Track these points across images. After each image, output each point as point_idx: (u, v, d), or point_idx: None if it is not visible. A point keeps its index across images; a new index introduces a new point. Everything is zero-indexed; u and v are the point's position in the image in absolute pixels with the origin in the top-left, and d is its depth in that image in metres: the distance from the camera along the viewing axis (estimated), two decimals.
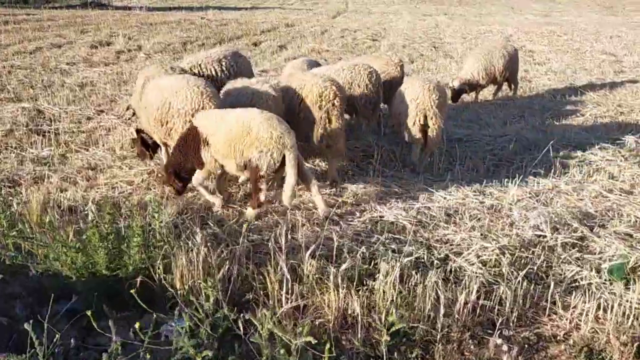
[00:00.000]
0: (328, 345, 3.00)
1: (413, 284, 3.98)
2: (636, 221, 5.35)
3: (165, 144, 6.32)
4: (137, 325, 3.00)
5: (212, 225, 5.12)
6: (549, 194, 6.02)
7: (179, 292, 3.75)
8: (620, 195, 6.00)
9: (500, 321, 3.76)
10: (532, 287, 4.11)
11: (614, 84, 12.32)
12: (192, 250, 3.84)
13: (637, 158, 7.17)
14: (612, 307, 3.86)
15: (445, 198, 5.83)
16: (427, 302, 3.74)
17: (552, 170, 6.78)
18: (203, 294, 3.62)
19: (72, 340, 3.03)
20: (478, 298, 3.91)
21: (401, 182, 6.39)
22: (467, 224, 5.20)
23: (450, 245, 4.82)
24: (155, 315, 3.50)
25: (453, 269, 4.42)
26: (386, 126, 8.52)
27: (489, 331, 3.76)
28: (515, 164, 7.08)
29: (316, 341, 3.08)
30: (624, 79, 13.10)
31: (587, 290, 4.20)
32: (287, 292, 3.81)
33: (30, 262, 3.82)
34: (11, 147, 7.42)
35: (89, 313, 3.02)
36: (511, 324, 3.83)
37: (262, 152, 5.05)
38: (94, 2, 33.13)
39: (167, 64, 7.95)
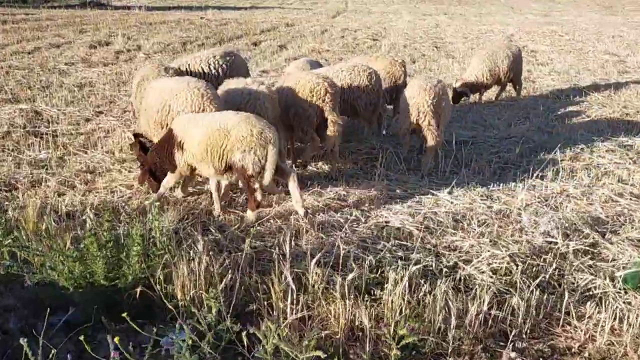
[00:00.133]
0: None
1: (422, 293, 3.85)
2: None
3: None
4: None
5: (213, 231, 4.98)
6: (557, 198, 5.88)
7: (180, 302, 3.61)
8: (631, 199, 5.87)
9: (513, 333, 3.62)
10: (545, 297, 3.97)
11: (619, 85, 12.18)
12: (193, 260, 3.71)
13: None
14: (629, 317, 3.73)
15: (452, 202, 5.70)
16: (438, 313, 3.60)
17: (560, 174, 6.64)
18: (205, 305, 3.49)
19: (68, 356, 2.89)
20: (489, 308, 3.78)
21: (406, 186, 6.25)
22: (475, 229, 5.07)
23: (459, 252, 4.69)
24: (155, 329, 3.38)
25: (463, 278, 4.29)
26: (386, 128, 8.41)
27: (502, 343, 3.63)
28: (522, 167, 6.94)
29: (325, 355, 2.95)
30: (628, 80, 12.96)
31: (601, 299, 4.07)
32: (292, 303, 3.67)
33: (25, 272, 3.68)
34: (8, 149, 7.28)
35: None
36: (524, 336, 3.70)
37: (244, 151, 4.95)
38: (92, 1, 32.96)
39: (161, 63, 7.78)
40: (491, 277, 4.27)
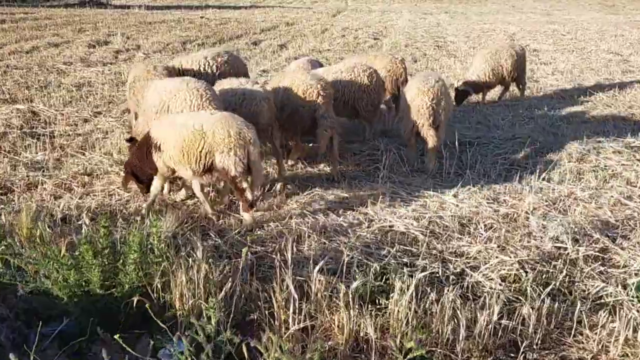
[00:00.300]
0: None
1: (429, 302, 3.72)
2: None
3: None
4: None
5: (213, 236, 4.85)
6: (565, 201, 5.75)
7: (178, 312, 3.48)
8: None
9: (524, 344, 3.49)
10: (555, 306, 3.84)
11: (623, 84, 12.04)
12: (192, 268, 3.57)
13: None
14: None
15: (457, 206, 5.57)
16: (446, 323, 3.47)
17: (567, 176, 6.51)
18: (204, 315, 3.36)
19: None
20: (499, 318, 3.64)
21: (410, 188, 6.12)
22: (482, 234, 4.94)
23: (466, 258, 4.55)
24: (152, 340, 3.26)
25: (470, 285, 4.16)
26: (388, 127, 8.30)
27: (512, 355, 3.50)
28: (528, 169, 6.80)
29: None
30: (632, 79, 12.81)
31: (614, 308, 3.94)
32: (294, 312, 3.54)
33: (18, 281, 3.55)
34: (4, 151, 7.15)
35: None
36: (535, 347, 3.57)
37: (223, 153, 4.82)
38: (92, 0, 32.83)
39: (154, 63, 7.68)
40: (500, 284, 4.14)
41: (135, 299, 3.44)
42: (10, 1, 30.19)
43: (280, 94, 6.47)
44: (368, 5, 38.25)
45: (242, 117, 5.85)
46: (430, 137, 6.63)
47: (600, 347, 3.60)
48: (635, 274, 4.33)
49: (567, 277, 4.32)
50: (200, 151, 4.84)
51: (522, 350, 3.44)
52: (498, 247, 4.69)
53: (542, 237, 4.86)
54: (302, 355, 3.14)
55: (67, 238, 4.27)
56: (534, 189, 5.92)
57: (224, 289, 3.56)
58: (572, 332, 3.72)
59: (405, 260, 4.45)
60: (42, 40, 16.71)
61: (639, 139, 7.78)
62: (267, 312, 3.63)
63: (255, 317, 3.59)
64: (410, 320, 3.48)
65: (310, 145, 7.29)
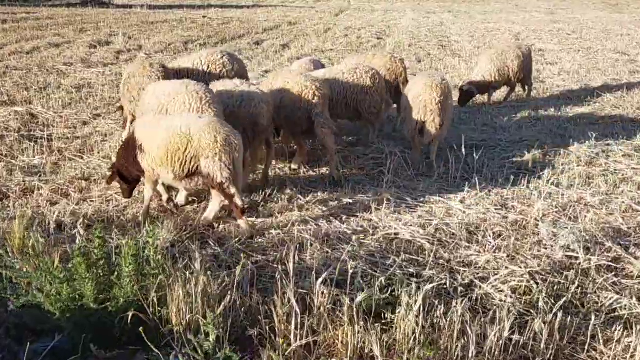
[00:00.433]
0: None
1: (437, 316, 3.56)
2: None
3: None
4: None
5: (212, 245, 4.71)
6: (575, 207, 5.59)
7: (175, 328, 3.33)
8: None
9: None
10: (568, 319, 3.68)
11: (631, 85, 11.85)
12: (189, 282, 3.42)
13: None
14: None
15: (464, 212, 5.41)
16: (454, 339, 3.32)
17: (576, 180, 6.35)
18: (202, 331, 3.22)
19: None
20: (510, 333, 3.49)
21: (416, 194, 5.97)
22: (491, 242, 4.78)
23: (475, 268, 4.40)
24: (148, 358, 3.12)
25: (479, 297, 4.00)
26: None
27: None
28: (535, 173, 6.64)
29: None
30: None
31: (629, 321, 3.78)
32: (296, 327, 3.39)
33: (10, 294, 3.41)
34: (1, 154, 7.01)
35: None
36: None
37: (208, 158, 4.70)
38: (94, 0, 32.72)
39: (148, 61, 7.55)
40: (510, 296, 3.98)
41: (130, 314, 3.30)
42: (13, 1, 30.10)
43: (276, 95, 6.39)
44: (371, 5, 38.07)
45: (241, 119, 5.76)
46: (435, 131, 6.67)
47: None
48: None
49: (579, 288, 4.16)
50: (186, 155, 4.73)
51: None
52: (507, 256, 4.53)
53: (552, 246, 4.70)
54: None
55: (61, 248, 4.14)
56: (543, 194, 5.75)
57: (223, 302, 3.41)
58: (586, 348, 3.56)
59: (411, 270, 4.29)
60: (42, 40, 16.59)
61: None
62: (267, 327, 3.48)
63: (256, 333, 3.44)
64: (417, 336, 3.33)
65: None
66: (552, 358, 3.45)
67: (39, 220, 4.82)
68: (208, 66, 7.40)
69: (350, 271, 3.73)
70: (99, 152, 7.18)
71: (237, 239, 4.83)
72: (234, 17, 25.31)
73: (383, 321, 3.59)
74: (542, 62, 15.02)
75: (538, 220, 5.21)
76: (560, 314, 3.64)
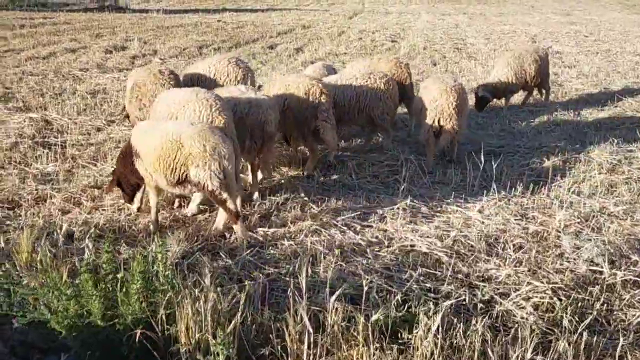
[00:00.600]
0: None
1: (456, 336, 3.42)
2: None
3: None
4: None
5: (224, 256, 4.60)
6: (598, 217, 5.40)
7: (184, 348, 3.23)
8: None
9: None
10: (594, 339, 3.51)
11: None
12: (199, 299, 3.32)
13: None
14: None
15: (483, 222, 5.25)
16: None
17: (598, 188, 6.16)
18: (211, 351, 3.12)
19: None
20: (534, 354, 3.33)
21: (432, 203, 5.81)
22: (511, 255, 4.62)
23: (495, 283, 4.23)
24: None
25: (500, 314, 3.84)
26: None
27: None
28: (556, 181, 6.45)
29: None
30: None
31: None
32: (308, 347, 3.28)
33: (16, 310, 3.33)
34: (15, 162, 6.98)
35: None
36: None
37: (198, 167, 4.67)
38: (111, 5, 32.95)
39: (154, 67, 7.54)
40: (532, 314, 3.82)
41: (138, 332, 3.20)
42: (31, 6, 30.43)
43: (280, 99, 6.43)
44: (385, 7, 37.90)
45: (249, 125, 5.69)
46: (451, 136, 6.84)
47: None
48: None
49: (605, 305, 3.98)
50: (176, 162, 4.72)
51: None
52: (529, 270, 4.37)
53: (575, 260, 4.53)
54: None
55: (70, 260, 4.06)
56: (565, 203, 5.57)
57: (234, 320, 3.30)
58: None
59: (428, 285, 4.15)
60: (59, 45, 16.68)
61: None
62: (279, 346, 3.36)
63: (267, 352, 3.33)
64: (436, 358, 3.19)
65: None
66: None
67: (48, 232, 4.75)
68: (214, 73, 7.35)
69: (366, 288, 3.59)
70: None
71: (248, 250, 4.72)
72: (248, 21, 25.30)
73: (400, 341, 3.45)
74: (559, 65, 14.77)
75: (559, 232, 5.04)
76: (585, 334, 3.48)
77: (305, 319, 3.30)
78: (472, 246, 4.80)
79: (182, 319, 3.27)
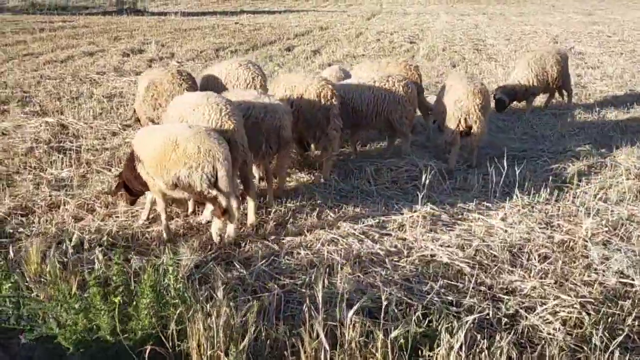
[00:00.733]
0: None
1: (479, 352, 3.25)
2: None
3: None
4: None
5: (238, 266, 4.48)
6: (627, 225, 5.18)
7: None
8: None
9: None
10: (627, 358, 3.32)
11: None
12: (211, 315, 3.19)
13: None
14: None
15: (506, 231, 5.06)
16: None
17: (626, 195, 5.92)
18: None
19: None
20: None
21: (453, 210, 5.63)
22: (536, 266, 4.43)
23: (520, 296, 4.04)
24: None
25: (525, 330, 3.66)
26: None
27: None
28: (581, 187, 6.23)
29: None
30: None
31: None
32: None
33: (23, 324, 3.24)
34: (30, 167, 6.95)
35: None
36: None
37: (191, 167, 4.63)
38: (130, 8, 33.22)
39: (172, 67, 7.52)
40: (559, 329, 3.63)
41: (148, 348, 3.09)
42: (51, 9, 30.78)
43: (293, 100, 6.38)
44: (403, 8, 37.64)
45: (265, 130, 5.59)
46: (477, 130, 6.85)
47: None
48: None
49: (637, 320, 3.78)
50: (170, 162, 4.69)
51: None
52: (555, 282, 4.18)
53: (604, 271, 4.32)
54: None
55: (80, 270, 3.96)
56: (592, 212, 5.35)
57: (247, 336, 3.17)
58: None
59: (450, 298, 3.98)
60: (77, 49, 16.77)
61: None
62: None
63: None
64: None
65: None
66: None
67: (59, 240, 4.67)
68: (225, 77, 7.28)
69: (385, 302, 3.44)
70: None
71: (263, 260, 4.59)
72: (266, 23, 25.26)
73: (420, 358, 3.29)
74: (582, 66, 14.44)
75: (587, 241, 4.83)
76: (617, 352, 3.29)
77: (322, 335, 3.16)
78: (495, 256, 4.62)
79: (194, 335, 3.15)
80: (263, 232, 5.19)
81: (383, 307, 3.52)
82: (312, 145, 7.26)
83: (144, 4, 33.73)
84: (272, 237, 5.07)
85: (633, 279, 4.16)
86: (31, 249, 4.13)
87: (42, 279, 3.78)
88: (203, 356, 3.14)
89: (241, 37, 20.36)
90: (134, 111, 8.13)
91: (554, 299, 3.91)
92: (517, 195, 5.80)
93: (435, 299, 3.93)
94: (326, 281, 4.09)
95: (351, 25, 25.43)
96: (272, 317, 3.67)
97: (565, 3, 40.31)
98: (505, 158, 6.21)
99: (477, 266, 4.44)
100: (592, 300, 3.92)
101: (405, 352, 3.29)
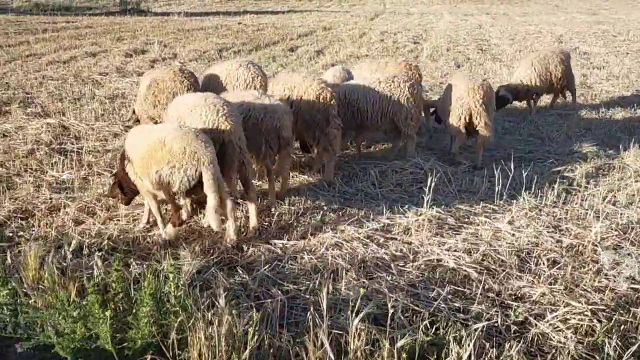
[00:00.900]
0: None
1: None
2: None
3: None
4: None
5: (240, 272, 4.39)
6: (637, 229, 5.08)
7: None
8: None
9: None
10: None
11: None
12: (212, 324, 3.11)
13: None
14: None
15: (514, 235, 4.97)
16: None
17: (635, 197, 5.82)
18: None
19: None
20: None
21: (459, 214, 5.54)
22: (545, 271, 4.33)
23: (529, 303, 3.95)
24: None
25: (535, 337, 3.57)
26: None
27: None
28: (589, 189, 6.13)
29: None
30: None
31: None
32: None
33: (20, 333, 3.16)
34: (30, 169, 6.88)
35: None
36: None
37: (174, 167, 4.60)
38: (133, 8, 33.20)
39: (175, 66, 7.47)
40: (569, 337, 3.54)
41: (148, 358, 3.01)
42: (55, 10, 30.79)
43: (292, 101, 6.36)
44: (407, 8, 37.55)
45: (265, 131, 5.51)
46: (483, 128, 6.89)
47: None
48: None
49: None
50: (156, 160, 4.65)
51: None
52: (565, 288, 4.08)
53: (615, 277, 4.23)
54: None
55: (78, 278, 3.87)
56: (601, 215, 5.25)
57: (250, 345, 3.09)
58: None
59: (457, 304, 3.89)
60: (80, 49, 16.72)
61: None
62: None
63: None
64: None
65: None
66: None
67: (57, 246, 4.60)
68: (226, 77, 7.22)
69: (391, 310, 3.35)
70: None
71: (267, 265, 4.51)
72: (269, 23, 25.19)
73: None
74: (588, 66, 14.33)
75: (596, 245, 4.73)
76: None
77: (326, 344, 3.07)
78: (502, 261, 4.52)
79: (195, 344, 3.07)
80: (266, 236, 5.11)
81: (389, 314, 3.43)
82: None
83: (147, 5, 33.69)
84: (276, 241, 4.98)
85: None
86: (29, 254, 4.05)
87: (40, 286, 3.71)
88: None
89: (244, 37, 20.29)
90: (134, 112, 8.07)
91: (564, 306, 3.81)
92: (524, 198, 5.71)
93: (442, 305, 3.84)
94: (330, 287, 4.01)
95: (354, 25, 25.35)
96: (276, 325, 3.59)
97: (569, 3, 40.16)
98: (512, 160, 6.12)
99: (484, 271, 4.35)
100: (604, 307, 3.83)
101: None
